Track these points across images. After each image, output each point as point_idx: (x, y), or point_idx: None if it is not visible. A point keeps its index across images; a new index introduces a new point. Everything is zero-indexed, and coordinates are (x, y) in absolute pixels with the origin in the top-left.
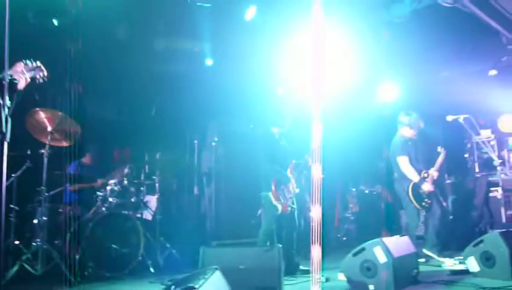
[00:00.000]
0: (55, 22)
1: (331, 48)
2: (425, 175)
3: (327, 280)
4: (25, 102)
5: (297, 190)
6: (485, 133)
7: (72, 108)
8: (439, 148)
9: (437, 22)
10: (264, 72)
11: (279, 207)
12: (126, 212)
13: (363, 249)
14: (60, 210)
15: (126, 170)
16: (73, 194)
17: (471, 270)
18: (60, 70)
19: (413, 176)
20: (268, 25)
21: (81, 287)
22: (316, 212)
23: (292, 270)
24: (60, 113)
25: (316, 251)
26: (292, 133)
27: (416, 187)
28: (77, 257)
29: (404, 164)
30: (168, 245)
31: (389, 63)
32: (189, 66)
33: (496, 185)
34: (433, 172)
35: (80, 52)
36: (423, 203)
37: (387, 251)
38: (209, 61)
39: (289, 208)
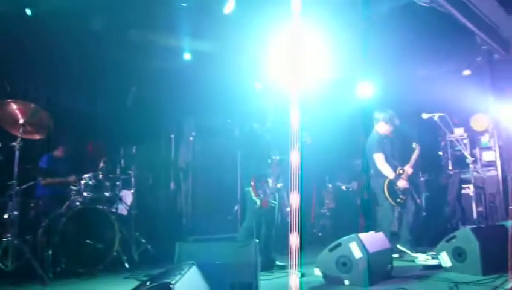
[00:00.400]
0: (28, 11)
1: (310, 43)
2: (401, 172)
3: (303, 275)
4: None
5: (279, 186)
6: (459, 132)
7: (45, 100)
8: (414, 144)
9: (415, 22)
10: (243, 67)
11: (258, 202)
12: (101, 207)
13: (339, 244)
14: (32, 205)
15: (101, 164)
16: (46, 188)
17: (443, 265)
18: (33, 61)
19: (389, 172)
20: (247, 19)
21: (53, 283)
22: (294, 200)
23: (268, 265)
24: (32, 105)
25: (294, 239)
26: (277, 128)
27: (392, 184)
28: (49, 252)
29: (379, 161)
30: (143, 240)
31: (368, 60)
32: (166, 60)
33: (468, 182)
34: (408, 168)
35: (53, 43)
36: (398, 200)
37: (362, 247)
38: (187, 56)
39: (270, 204)
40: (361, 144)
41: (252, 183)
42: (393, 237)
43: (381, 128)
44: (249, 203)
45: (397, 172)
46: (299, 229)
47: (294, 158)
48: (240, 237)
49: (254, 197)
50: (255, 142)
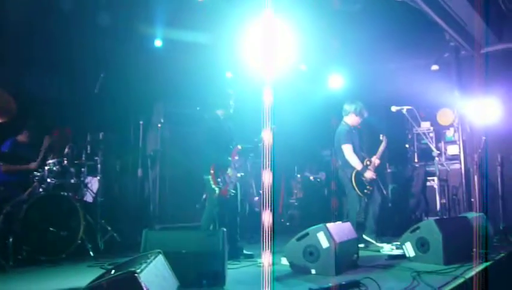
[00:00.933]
0: None
1: (281, 33)
2: (368, 163)
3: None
4: None
5: (239, 175)
6: (425, 125)
7: (9, 83)
8: (381, 136)
9: (386, 15)
10: (215, 55)
11: (217, 191)
12: (65, 193)
13: (306, 234)
14: None
15: (66, 150)
16: (8, 174)
17: (407, 255)
18: None
19: (357, 163)
20: (220, 6)
21: (15, 271)
22: (266, 178)
23: (235, 254)
24: None
25: (266, 217)
26: (240, 117)
27: (359, 175)
28: (10, 240)
29: (348, 151)
30: (109, 228)
31: (340, 51)
32: (137, 45)
33: (433, 175)
34: (375, 159)
35: (19, 24)
36: (365, 191)
37: (329, 237)
38: (158, 42)
39: (229, 193)
40: (330, 134)
41: (212, 172)
42: (359, 227)
43: (350, 119)
44: (208, 192)
45: (364, 163)
46: (272, 207)
47: (267, 137)
48: (202, 225)
49: (213, 186)
50: (217, 129)
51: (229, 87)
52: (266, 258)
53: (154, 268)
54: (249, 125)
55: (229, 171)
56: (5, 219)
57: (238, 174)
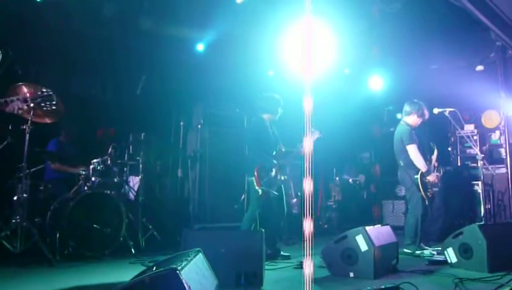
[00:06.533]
0: None
1: (322, 34)
2: (435, 165)
3: None
4: (8, 76)
5: (283, 178)
6: (469, 128)
7: (56, 84)
8: (431, 144)
9: (428, 14)
10: (254, 57)
11: (260, 192)
12: (108, 192)
13: (345, 236)
14: (41, 187)
15: (110, 149)
16: (55, 172)
17: (449, 261)
18: (45, 46)
19: (422, 165)
20: (259, 8)
21: (61, 265)
22: (307, 186)
23: (273, 255)
24: (43, 89)
25: (307, 225)
26: (284, 121)
27: (423, 177)
28: (57, 235)
29: (414, 152)
30: (150, 227)
31: (380, 53)
32: (178, 48)
33: (477, 179)
34: (434, 162)
35: (64, 28)
36: (427, 193)
37: (368, 240)
38: (200, 46)
39: (271, 194)
40: (369, 137)
41: (255, 173)
42: (400, 231)
43: (411, 119)
44: (252, 193)
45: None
46: (312, 215)
47: (308, 145)
48: (242, 226)
49: (256, 187)
50: (262, 133)
51: (276, 92)
52: (308, 266)
53: (195, 266)
54: (291, 128)
55: (273, 172)
56: (53, 215)
57: (282, 177)
